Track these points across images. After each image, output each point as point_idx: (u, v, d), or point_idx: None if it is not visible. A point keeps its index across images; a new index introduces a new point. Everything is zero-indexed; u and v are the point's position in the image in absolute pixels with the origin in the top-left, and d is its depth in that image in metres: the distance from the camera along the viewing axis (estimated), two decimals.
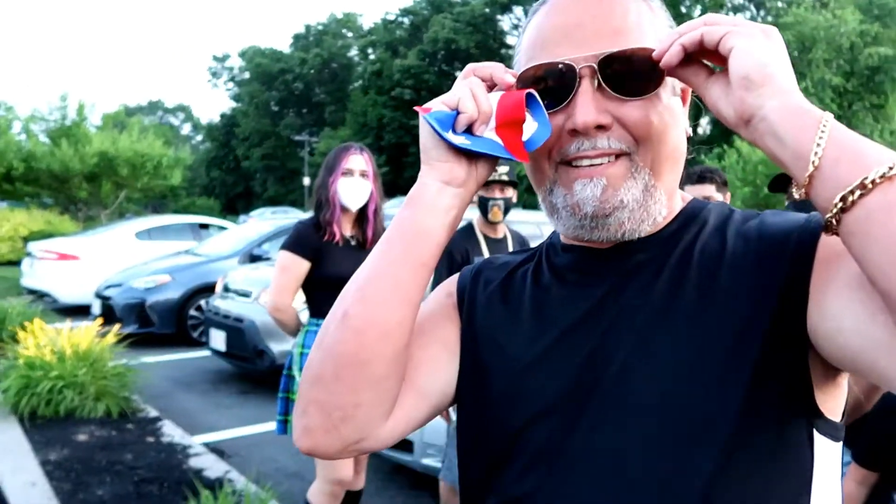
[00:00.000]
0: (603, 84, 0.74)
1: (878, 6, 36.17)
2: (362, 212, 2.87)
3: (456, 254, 3.16)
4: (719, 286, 0.76)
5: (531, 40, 0.81)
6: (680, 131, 0.81)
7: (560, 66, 0.76)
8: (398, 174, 48.58)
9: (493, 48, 49.59)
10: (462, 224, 3.35)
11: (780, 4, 39.13)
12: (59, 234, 15.02)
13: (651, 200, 0.78)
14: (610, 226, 0.77)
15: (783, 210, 2.47)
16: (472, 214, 3.33)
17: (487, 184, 3.10)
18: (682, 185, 1.86)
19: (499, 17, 49.09)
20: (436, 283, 3.26)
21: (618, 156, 0.76)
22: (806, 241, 0.72)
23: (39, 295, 10.47)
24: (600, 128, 0.75)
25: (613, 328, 0.78)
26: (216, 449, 4.71)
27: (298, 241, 2.75)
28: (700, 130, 42.73)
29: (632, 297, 0.79)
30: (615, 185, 0.76)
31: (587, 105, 0.74)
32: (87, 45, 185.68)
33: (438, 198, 0.78)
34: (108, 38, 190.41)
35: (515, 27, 50.39)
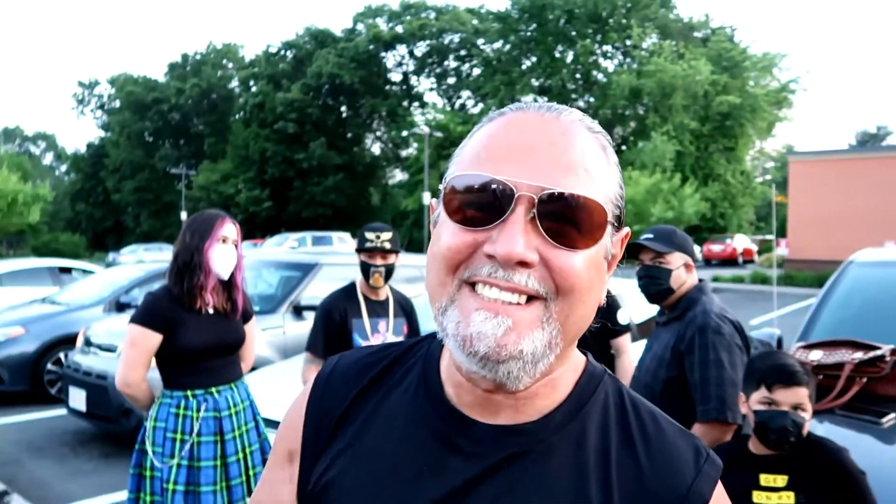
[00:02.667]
0: (537, 220, 0.66)
1: (727, 59, 39.96)
2: (230, 280, 2.81)
3: (334, 313, 3.15)
4: None
5: (477, 147, 0.72)
6: (599, 297, 0.73)
7: (499, 183, 0.67)
8: (282, 209, 47.55)
9: (378, 84, 50.10)
10: (345, 283, 3.34)
11: (643, 54, 42.30)
12: None
13: (546, 358, 0.69)
14: (499, 371, 0.67)
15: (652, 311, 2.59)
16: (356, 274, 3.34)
17: (370, 251, 3.13)
18: None
19: (382, 54, 49.73)
20: (311, 344, 3.21)
21: (530, 298, 0.67)
22: None
23: None
24: (522, 264, 0.66)
25: None
26: None
27: (148, 314, 2.63)
28: None
29: (490, 501, 0.71)
30: (520, 331, 0.66)
31: (515, 235, 0.65)
32: None
33: None
34: None
35: (399, 64, 51.29)
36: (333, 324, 3.13)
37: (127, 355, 2.61)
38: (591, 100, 44.64)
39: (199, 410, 2.64)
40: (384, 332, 3.21)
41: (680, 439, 0.76)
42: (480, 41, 46.96)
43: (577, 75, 44.36)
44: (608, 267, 0.74)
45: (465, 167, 0.71)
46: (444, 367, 0.79)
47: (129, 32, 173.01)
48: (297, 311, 6.39)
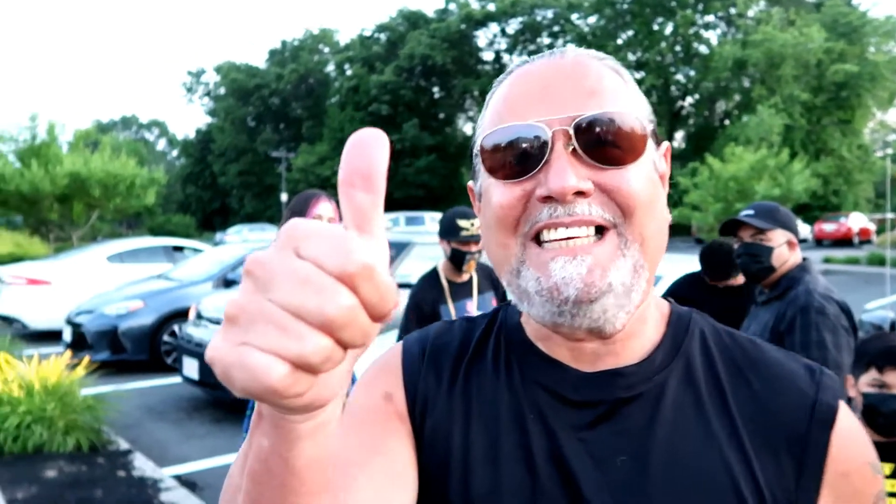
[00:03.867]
0: (578, 150, 0.64)
1: (843, 24, 37.13)
2: None
3: (424, 305, 3.13)
4: (715, 457, 0.68)
5: (496, 107, 0.71)
6: (664, 212, 0.71)
7: (530, 127, 0.66)
8: None
9: (470, 64, 49.97)
10: (427, 271, 3.33)
11: (749, 23, 39.97)
12: (28, 258, 14.80)
13: (637, 285, 0.66)
14: (593, 312, 0.65)
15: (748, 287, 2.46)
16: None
17: (464, 239, 3.11)
18: None
19: (474, 33, 49.50)
20: (402, 338, 3.26)
21: (602, 230, 0.65)
22: (819, 444, 0.68)
23: (8, 321, 10.30)
24: (579, 194, 0.64)
25: (588, 480, 0.68)
26: (188, 481, 4.69)
27: None
28: (675, 144, 43.36)
29: (608, 448, 0.69)
30: (604, 265, 0.64)
31: (563, 170, 0.63)
32: (58, 61, 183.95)
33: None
34: (80, 53, 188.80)
35: (491, 43, 50.89)
36: (425, 316, 3.09)
37: None
38: (692, 73, 42.73)
39: None
40: (472, 313, 3.22)
41: (787, 359, 0.74)
42: (574, 16, 45.84)
43: (677, 48, 42.52)
44: (661, 183, 0.72)
45: (490, 126, 0.70)
46: (527, 328, 0.77)
47: (232, 22, 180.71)
48: None
